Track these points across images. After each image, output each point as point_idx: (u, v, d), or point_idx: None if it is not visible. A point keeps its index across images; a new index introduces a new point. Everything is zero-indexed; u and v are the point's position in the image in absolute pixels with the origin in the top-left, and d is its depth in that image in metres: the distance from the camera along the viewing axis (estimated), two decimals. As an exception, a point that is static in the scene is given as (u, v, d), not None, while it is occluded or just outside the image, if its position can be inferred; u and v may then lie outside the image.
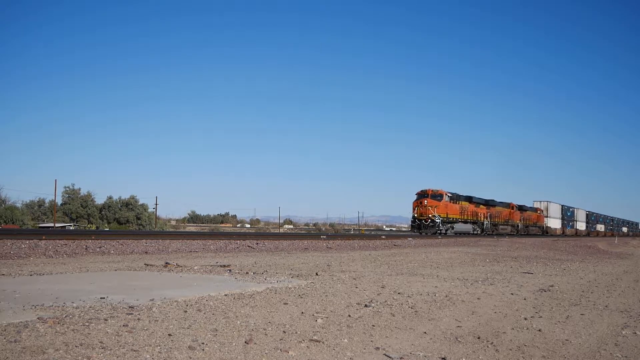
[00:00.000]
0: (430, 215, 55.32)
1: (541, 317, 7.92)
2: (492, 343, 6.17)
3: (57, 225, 78.64)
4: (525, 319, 7.71)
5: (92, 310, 6.38)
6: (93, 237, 20.60)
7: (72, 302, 6.83)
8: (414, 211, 57.01)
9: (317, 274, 11.80)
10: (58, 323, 5.63)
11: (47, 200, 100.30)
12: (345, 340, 5.75)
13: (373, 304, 7.91)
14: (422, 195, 56.86)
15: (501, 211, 72.88)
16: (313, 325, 6.32)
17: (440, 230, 55.47)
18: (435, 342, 6.02)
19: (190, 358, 4.75)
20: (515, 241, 43.69)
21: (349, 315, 7.03)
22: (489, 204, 71.07)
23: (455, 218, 59.39)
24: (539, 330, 6.95)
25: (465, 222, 61.83)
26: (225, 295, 8.05)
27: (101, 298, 7.24)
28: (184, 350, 4.92)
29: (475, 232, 63.41)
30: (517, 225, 77.62)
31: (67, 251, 15.96)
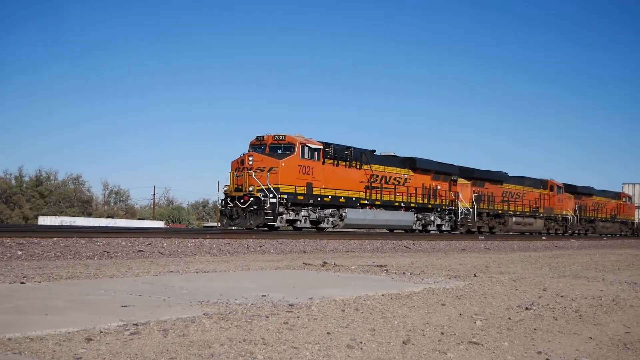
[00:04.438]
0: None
1: None
2: (665, 351, 5.81)
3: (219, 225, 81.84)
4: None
5: (254, 308, 6.59)
6: (254, 237, 21.30)
7: (235, 299, 7.08)
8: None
9: (475, 275, 11.59)
10: (222, 319, 5.86)
11: (210, 201, 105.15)
12: (506, 343, 5.61)
13: (534, 307, 7.66)
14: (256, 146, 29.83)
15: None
16: (472, 327, 6.21)
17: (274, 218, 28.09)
18: (602, 348, 5.74)
19: (349, 357, 4.79)
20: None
21: (509, 318, 6.84)
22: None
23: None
24: None
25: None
26: (383, 295, 8.07)
27: (262, 296, 7.46)
28: (342, 349, 4.97)
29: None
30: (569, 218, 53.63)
31: (229, 250, 16.60)
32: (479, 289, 9.30)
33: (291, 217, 29.14)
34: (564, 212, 52.63)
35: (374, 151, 34.72)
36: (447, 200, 39.82)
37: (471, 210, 40.87)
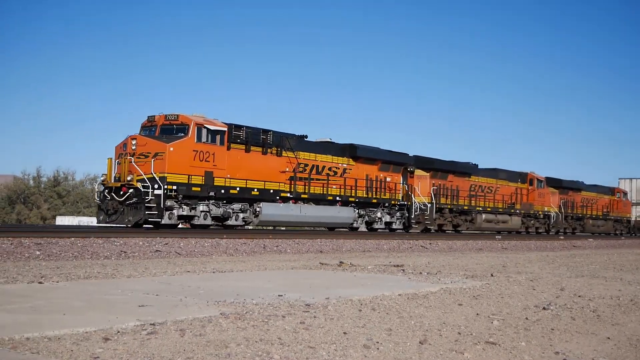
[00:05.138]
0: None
1: None
2: (684, 351, 5.76)
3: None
4: None
5: (271, 307, 6.60)
6: (270, 237, 21.33)
7: (252, 299, 7.10)
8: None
9: (492, 275, 11.55)
10: (239, 319, 5.87)
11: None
12: (523, 343, 5.58)
13: (552, 307, 7.62)
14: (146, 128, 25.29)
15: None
16: (489, 327, 6.18)
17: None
18: (620, 349, 5.70)
19: (366, 357, 4.79)
20: None
21: (527, 318, 6.81)
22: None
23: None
24: None
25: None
26: (399, 295, 8.05)
27: (279, 295, 7.47)
28: (359, 349, 4.97)
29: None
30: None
31: (246, 250, 16.63)
32: (496, 289, 9.26)
33: (185, 213, 24.58)
34: (546, 209, 47.81)
35: (305, 137, 30.07)
36: (399, 195, 34.90)
37: (429, 205, 36.09)
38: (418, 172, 36.08)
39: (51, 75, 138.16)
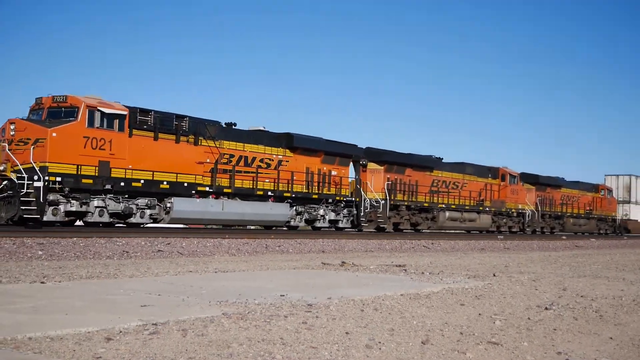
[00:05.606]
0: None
1: None
2: (687, 351, 5.75)
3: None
4: None
5: (273, 307, 6.60)
6: (272, 237, 21.34)
7: (254, 299, 7.10)
8: None
9: (494, 275, 11.54)
10: (241, 319, 5.88)
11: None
12: (525, 343, 5.58)
13: (554, 307, 7.61)
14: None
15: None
16: (491, 327, 6.18)
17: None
18: (623, 349, 5.70)
19: (368, 357, 4.79)
20: None
21: (529, 318, 6.81)
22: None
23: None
24: None
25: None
26: (401, 295, 8.05)
27: (281, 295, 7.47)
28: (361, 349, 4.97)
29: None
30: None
31: (248, 250, 16.64)
32: (498, 289, 9.25)
33: (74, 209, 21.38)
34: (521, 206, 44.01)
35: (232, 124, 27.11)
36: (347, 190, 31.60)
37: (382, 202, 32.71)
38: (371, 165, 33.19)
39: None
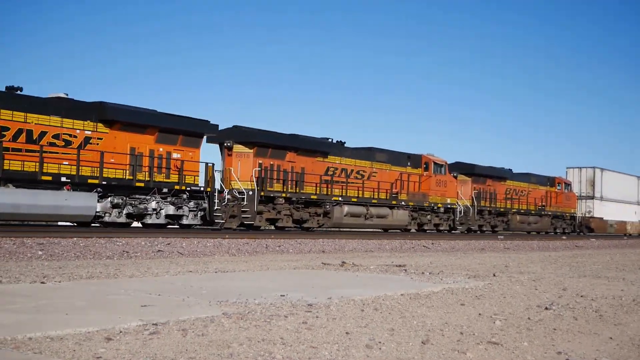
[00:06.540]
0: None
1: None
2: (687, 351, 5.75)
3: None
4: None
5: (273, 307, 6.60)
6: (272, 237, 21.33)
7: (254, 299, 7.10)
8: None
9: (494, 275, 11.55)
10: (241, 319, 5.88)
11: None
12: (525, 343, 5.58)
13: (554, 307, 7.61)
14: None
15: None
16: (491, 327, 6.18)
17: None
18: (623, 349, 5.69)
19: (368, 357, 4.79)
20: None
21: (529, 318, 6.81)
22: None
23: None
24: None
25: None
26: (402, 295, 8.05)
27: (281, 295, 7.47)
28: (361, 349, 4.97)
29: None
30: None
31: (248, 250, 16.64)
32: (498, 289, 9.25)
33: None
34: (449, 201, 37.83)
35: (17, 89, 21.07)
36: (197, 178, 25.57)
37: (249, 193, 26.75)
38: (238, 147, 27.45)
39: None
